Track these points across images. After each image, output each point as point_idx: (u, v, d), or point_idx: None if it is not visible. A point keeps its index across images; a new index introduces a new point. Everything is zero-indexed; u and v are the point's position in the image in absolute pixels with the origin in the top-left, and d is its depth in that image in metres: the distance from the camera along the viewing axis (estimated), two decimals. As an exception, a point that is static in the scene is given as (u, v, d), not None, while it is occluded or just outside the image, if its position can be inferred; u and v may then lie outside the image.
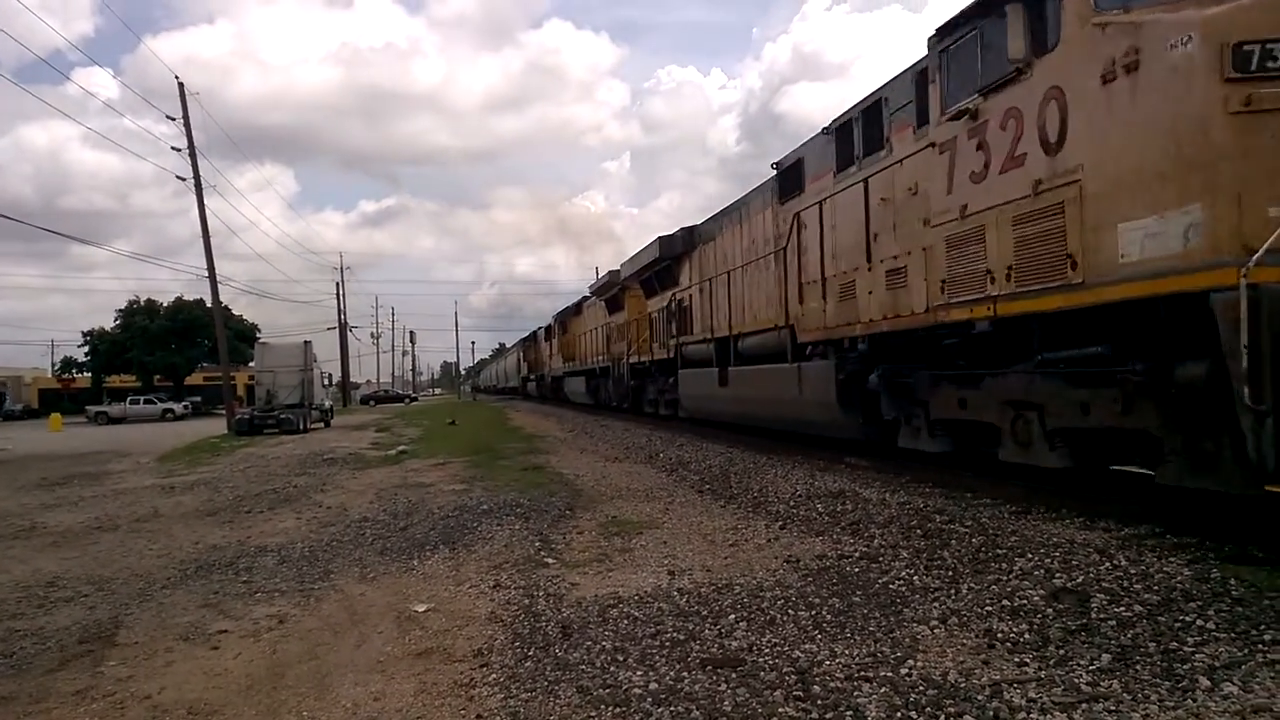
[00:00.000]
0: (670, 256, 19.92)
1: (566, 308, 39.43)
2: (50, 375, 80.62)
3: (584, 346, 34.18)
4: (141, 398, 55.92)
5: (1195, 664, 3.77)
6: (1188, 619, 4.30)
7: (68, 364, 70.65)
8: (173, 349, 59.96)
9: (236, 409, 33.57)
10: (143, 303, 62.28)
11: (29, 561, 7.99)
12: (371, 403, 76.34)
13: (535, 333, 52.20)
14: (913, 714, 3.51)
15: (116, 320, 61.95)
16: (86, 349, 63.24)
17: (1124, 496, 7.39)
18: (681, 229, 19.52)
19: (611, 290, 27.13)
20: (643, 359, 23.40)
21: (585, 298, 35.08)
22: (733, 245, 15.78)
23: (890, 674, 3.94)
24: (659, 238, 20.31)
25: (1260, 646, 3.89)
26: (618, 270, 25.94)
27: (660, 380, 22.06)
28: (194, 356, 62.43)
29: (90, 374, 65.83)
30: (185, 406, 56.27)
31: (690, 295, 18.74)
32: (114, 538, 9.08)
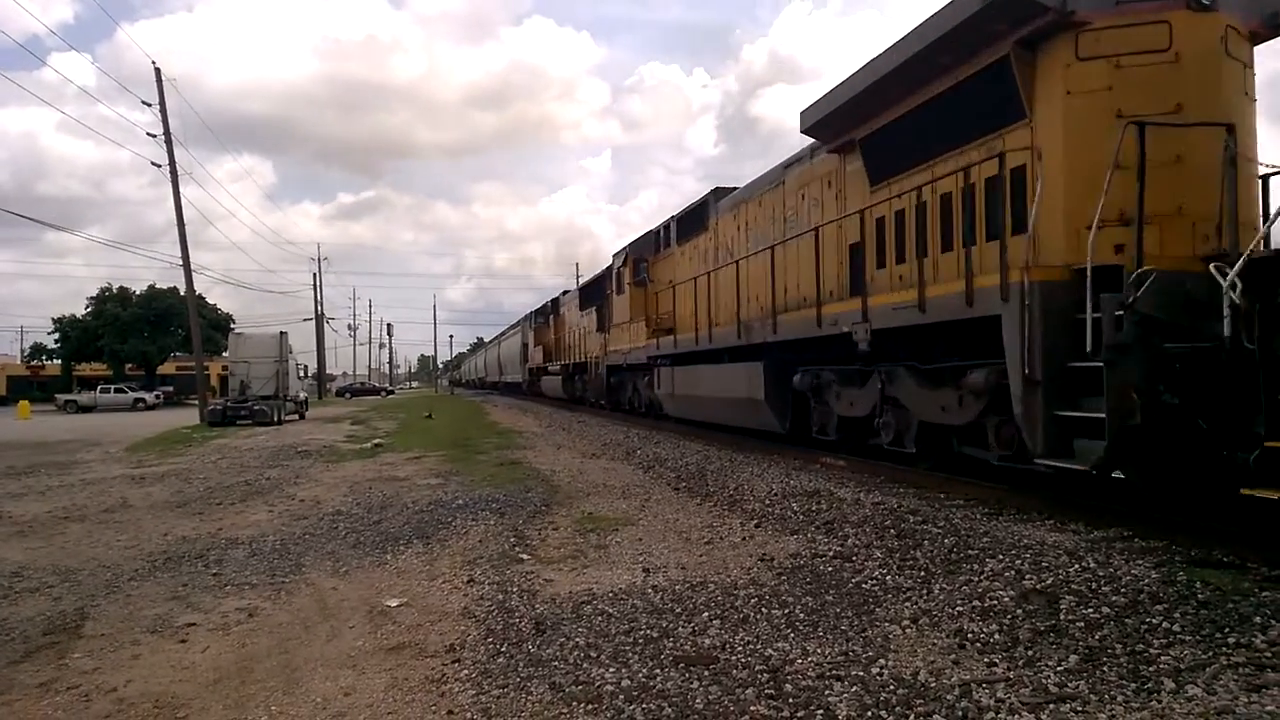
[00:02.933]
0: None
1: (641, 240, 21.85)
2: (19, 362, 79.36)
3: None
4: (112, 386, 55.23)
5: (1161, 666, 3.82)
6: (1154, 621, 4.36)
7: (37, 351, 69.53)
8: (145, 337, 59.25)
9: (209, 399, 33.23)
10: (115, 290, 61.47)
11: (-7, 551, 7.85)
12: (347, 395, 75.79)
13: (556, 301, 37.81)
14: (883, 713, 3.53)
15: (88, 307, 61.12)
16: (57, 336, 62.30)
17: (1093, 500, 7.49)
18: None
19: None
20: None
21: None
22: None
23: (861, 673, 3.96)
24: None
25: (1224, 649, 3.96)
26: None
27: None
28: (166, 345, 61.72)
29: (60, 361, 64.86)
30: (157, 396, 55.62)
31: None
32: (81, 528, 8.95)
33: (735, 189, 15.63)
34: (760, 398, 12.86)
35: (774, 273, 12.31)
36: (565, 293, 36.91)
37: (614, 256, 23.79)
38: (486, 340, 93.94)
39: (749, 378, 13.31)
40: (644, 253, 21.06)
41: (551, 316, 37.82)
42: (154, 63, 31.77)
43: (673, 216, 18.84)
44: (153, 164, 31.86)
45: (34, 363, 71.50)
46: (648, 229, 21.48)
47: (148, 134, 32.02)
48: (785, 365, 12.33)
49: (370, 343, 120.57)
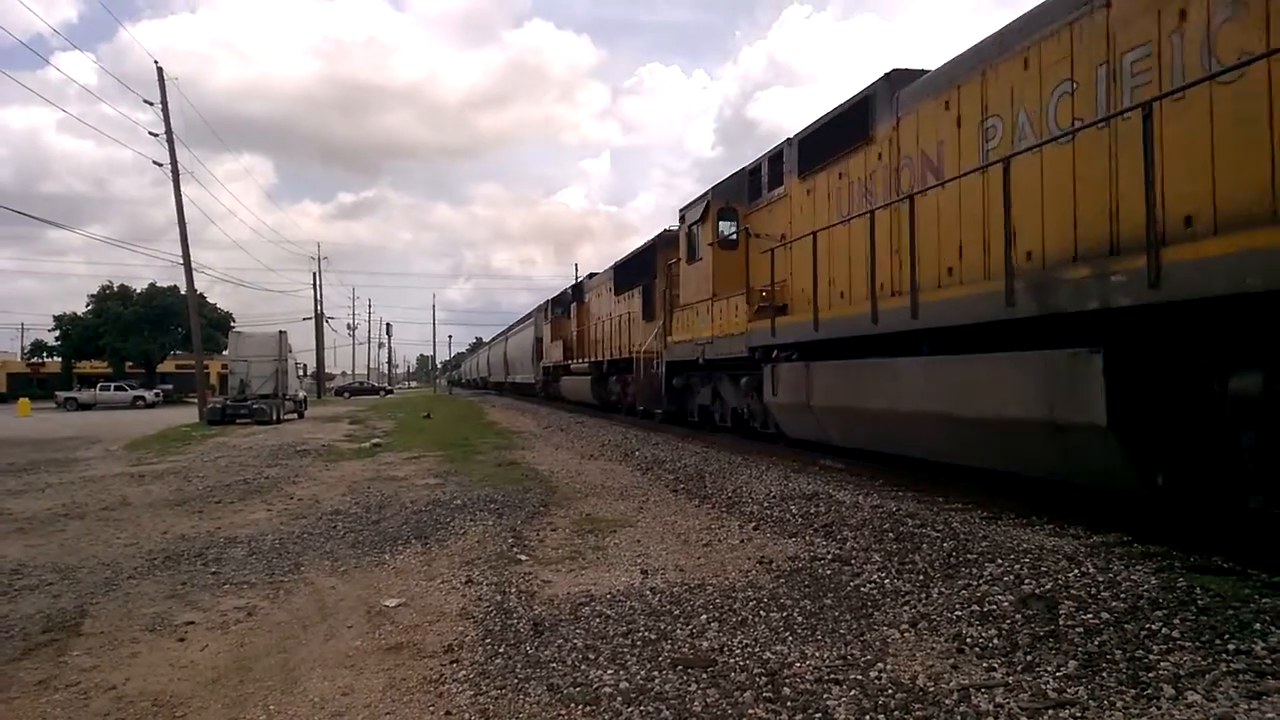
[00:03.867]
0: None
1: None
2: (19, 360, 79.34)
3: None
4: (112, 384, 55.26)
5: (1160, 672, 3.81)
6: (1154, 627, 4.35)
7: (38, 348, 69.54)
8: (145, 335, 59.26)
9: (209, 398, 33.23)
10: (116, 288, 61.51)
11: (-8, 548, 7.85)
12: (346, 394, 75.76)
13: (579, 287, 32.30)
14: (881, 717, 3.53)
15: (89, 305, 61.14)
16: (57, 334, 62.31)
17: (1093, 505, 7.48)
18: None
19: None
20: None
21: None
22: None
23: (860, 677, 3.96)
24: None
25: (1224, 656, 3.95)
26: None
27: None
28: (167, 344, 61.78)
29: (61, 359, 64.88)
30: (156, 394, 55.67)
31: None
32: (81, 526, 8.95)
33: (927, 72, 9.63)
34: (1100, 421, 6.21)
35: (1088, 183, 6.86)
36: (591, 275, 30.96)
37: (683, 213, 17.00)
38: (486, 339, 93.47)
39: (1062, 381, 6.60)
40: (733, 199, 14.99)
41: (574, 306, 31.78)
42: (156, 62, 31.83)
43: (794, 137, 12.64)
44: (154, 163, 31.89)
45: (34, 360, 71.51)
46: (738, 169, 15.13)
47: (150, 133, 32.10)
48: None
49: (369, 342, 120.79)
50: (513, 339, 52.78)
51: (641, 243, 23.26)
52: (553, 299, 36.61)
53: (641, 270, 21.83)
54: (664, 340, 18.23)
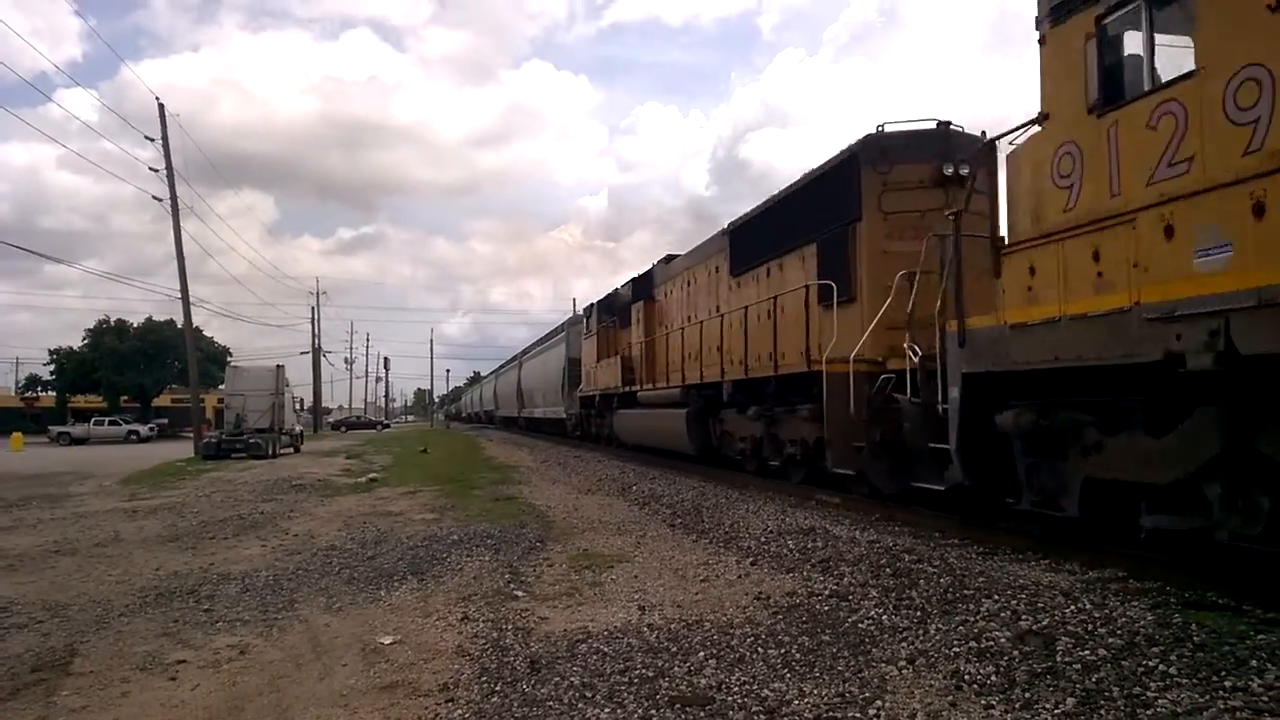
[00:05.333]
0: None
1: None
2: (13, 394, 79.03)
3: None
4: (106, 419, 55.09)
5: (1158, 709, 3.80)
6: (1151, 664, 4.34)
7: (32, 382, 69.30)
8: (141, 370, 59.18)
9: (205, 432, 33.11)
10: (113, 323, 61.51)
11: (-17, 585, 7.78)
12: (343, 428, 75.54)
13: (645, 279, 22.11)
14: (879, 756, 3.50)
15: (85, 339, 61.10)
16: (53, 368, 62.17)
17: (1089, 540, 7.47)
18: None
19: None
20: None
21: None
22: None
23: (858, 714, 3.93)
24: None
25: (1221, 692, 3.94)
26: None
27: None
28: (163, 378, 61.67)
29: (55, 393, 64.67)
30: (151, 428, 55.48)
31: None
32: (72, 562, 8.88)
33: None
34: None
35: None
36: (670, 259, 20.45)
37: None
38: (484, 374, 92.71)
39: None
40: None
41: (638, 308, 21.77)
42: (157, 98, 32.10)
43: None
44: (154, 198, 32.15)
45: (28, 394, 71.21)
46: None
47: (150, 168, 32.34)
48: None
49: (367, 376, 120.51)
50: (529, 364, 43.07)
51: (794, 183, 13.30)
52: (598, 303, 26.42)
53: (811, 217, 12.43)
54: (958, 329, 8.02)
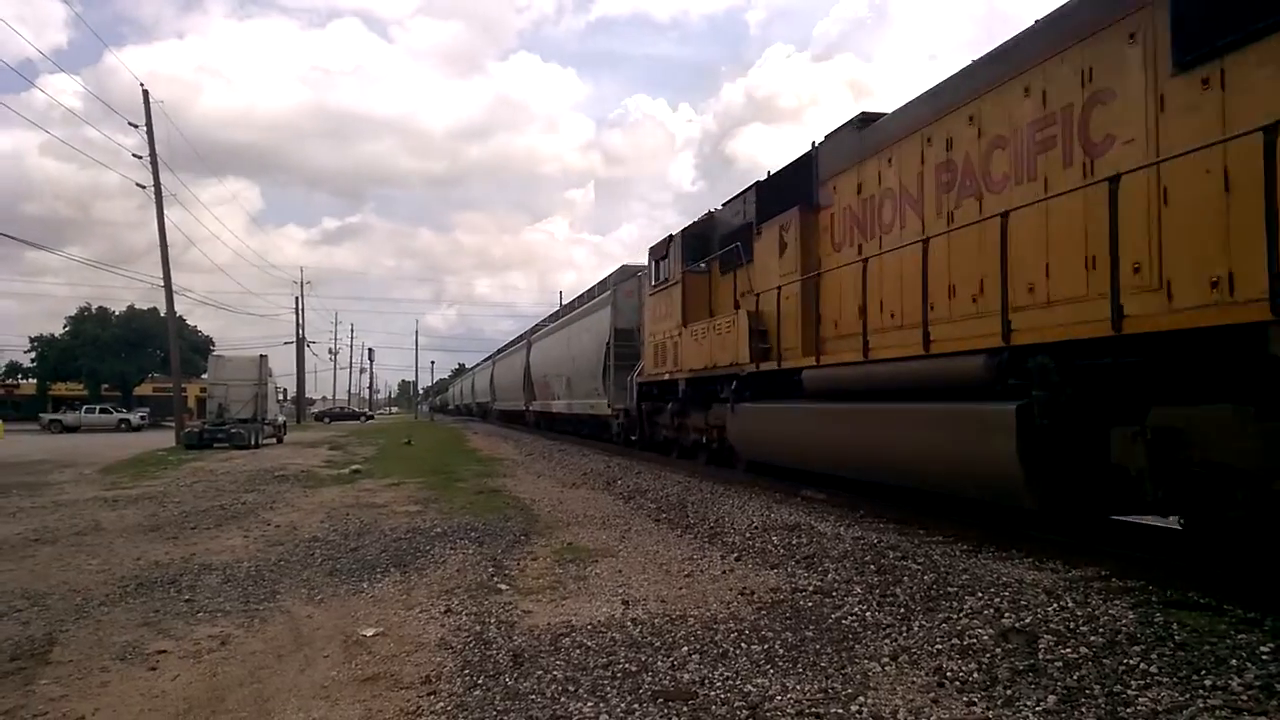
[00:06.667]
0: None
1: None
2: (-7, 381, 78.16)
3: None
4: (97, 407, 54.67)
5: (1138, 708, 3.82)
6: (1132, 662, 4.36)
7: (12, 369, 68.60)
8: (123, 358, 58.68)
9: (187, 422, 32.88)
10: (94, 310, 60.96)
11: (-40, 573, 7.70)
12: (327, 420, 75.13)
13: (774, 182, 12.51)
14: (862, 752, 3.51)
15: (66, 327, 60.52)
16: (33, 355, 61.57)
17: (1072, 539, 7.52)
18: None
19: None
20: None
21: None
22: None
23: (841, 710, 3.94)
24: None
25: (1201, 691, 3.97)
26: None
27: None
28: (144, 366, 61.17)
29: (35, 381, 64.06)
30: (142, 417, 55.10)
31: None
32: (52, 551, 8.79)
33: None
34: None
35: None
36: (863, 121, 10.49)
37: None
38: (469, 366, 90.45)
39: None
40: None
41: (783, 227, 11.90)
42: (142, 85, 31.71)
43: None
44: (138, 185, 31.82)
45: (8, 381, 70.49)
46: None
47: (134, 155, 31.97)
48: None
49: (351, 367, 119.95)
50: (545, 342, 33.51)
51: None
52: (682, 234, 16.06)
53: None
54: None
